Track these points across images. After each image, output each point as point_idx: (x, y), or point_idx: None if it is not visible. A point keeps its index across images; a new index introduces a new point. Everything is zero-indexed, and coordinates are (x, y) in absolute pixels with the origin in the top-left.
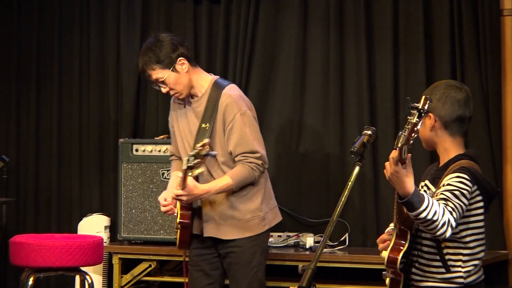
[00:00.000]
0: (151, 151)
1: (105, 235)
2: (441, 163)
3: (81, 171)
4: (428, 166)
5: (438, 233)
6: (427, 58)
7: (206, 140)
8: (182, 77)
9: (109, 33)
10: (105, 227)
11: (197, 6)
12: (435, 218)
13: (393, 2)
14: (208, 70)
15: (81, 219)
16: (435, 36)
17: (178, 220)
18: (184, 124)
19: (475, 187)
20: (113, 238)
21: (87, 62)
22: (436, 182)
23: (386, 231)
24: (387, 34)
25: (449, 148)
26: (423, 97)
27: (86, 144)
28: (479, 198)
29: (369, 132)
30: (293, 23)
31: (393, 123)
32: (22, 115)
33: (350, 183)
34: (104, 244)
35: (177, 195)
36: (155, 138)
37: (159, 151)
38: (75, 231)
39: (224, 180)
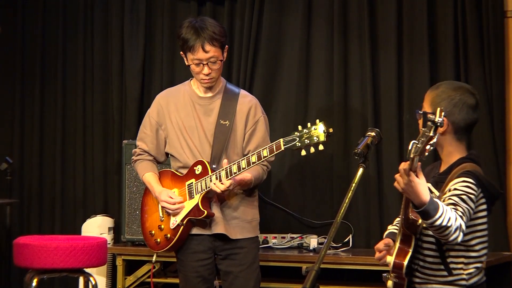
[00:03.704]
0: None
1: (109, 237)
2: (443, 166)
3: (85, 172)
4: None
5: (451, 238)
6: (431, 60)
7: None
8: (222, 66)
9: (113, 34)
10: (109, 229)
11: (201, 7)
12: (449, 224)
13: (397, 4)
14: None
15: (85, 221)
16: (439, 38)
17: (189, 216)
18: (186, 120)
19: (480, 190)
20: (117, 239)
21: (91, 63)
22: (439, 186)
23: (384, 236)
24: (391, 36)
25: (454, 151)
26: (439, 109)
27: (90, 146)
28: (483, 201)
29: (373, 133)
30: (297, 25)
31: (397, 124)
32: (26, 116)
33: (354, 184)
34: (108, 246)
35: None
36: None
37: None
38: (79, 232)
39: (248, 176)
